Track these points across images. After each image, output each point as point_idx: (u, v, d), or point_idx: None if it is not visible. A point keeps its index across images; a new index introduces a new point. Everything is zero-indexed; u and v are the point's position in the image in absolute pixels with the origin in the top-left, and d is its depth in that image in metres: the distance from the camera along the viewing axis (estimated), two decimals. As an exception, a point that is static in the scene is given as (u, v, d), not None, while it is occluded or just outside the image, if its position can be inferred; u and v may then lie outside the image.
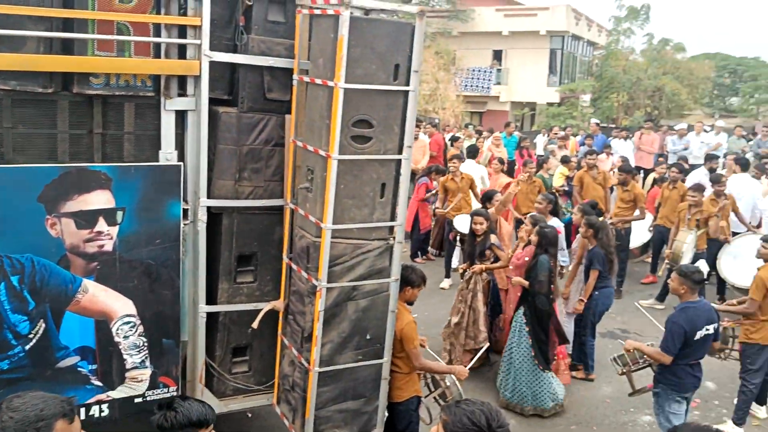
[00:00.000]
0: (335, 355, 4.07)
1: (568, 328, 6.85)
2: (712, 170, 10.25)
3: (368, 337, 4.14)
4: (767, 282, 5.42)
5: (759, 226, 9.11)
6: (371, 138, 3.90)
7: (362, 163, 3.92)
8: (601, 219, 7.22)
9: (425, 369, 4.60)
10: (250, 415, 5.07)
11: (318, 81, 3.90)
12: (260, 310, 4.47)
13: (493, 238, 6.53)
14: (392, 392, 4.44)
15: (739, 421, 5.67)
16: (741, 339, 5.57)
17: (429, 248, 10.57)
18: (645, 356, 4.97)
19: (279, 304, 4.49)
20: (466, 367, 4.87)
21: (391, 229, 4.15)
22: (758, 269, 5.65)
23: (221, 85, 4.31)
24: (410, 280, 4.46)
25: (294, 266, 4.28)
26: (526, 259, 6.00)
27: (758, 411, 5.97)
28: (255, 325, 4.44)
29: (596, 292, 6.47)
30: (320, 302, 3.91)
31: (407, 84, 3.92)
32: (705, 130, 15.18)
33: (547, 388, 5.80)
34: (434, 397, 4.87)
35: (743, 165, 9.81)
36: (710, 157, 10.95)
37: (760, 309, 5.49)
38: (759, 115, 36.51)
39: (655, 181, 10.83)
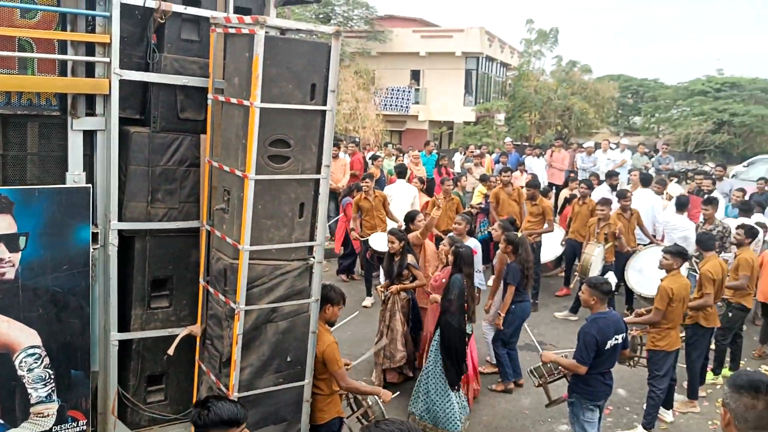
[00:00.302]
0: (255, 379, 3.99)
1: (489, 337, 7.01)
2: (613, 186, 10.79)
3: (289, 359, 4.09)
4: (669, 292, 5.74)
5: (662, 238, 9.65)
6: (289, 157, 3.89)
7: (280, 182, 3.89)
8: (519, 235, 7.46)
9: (351, 389, 4.57)
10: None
11: (233, 100, 3.85)
12: (176, 335, 4.33)
13: (410, 258, 6.58)
14: (314, 414, 4.39)
15: (648, 425, 5.94)
16: (648, 347, 5.87)
17: (356, 269, 10.59)
18: (560, 367, 5.14)
19: (196, 329, 4.37)
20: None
21: (311, 249, 4.13)
22: (661, 280, 5.99)
23: (132, 104, 4.18)
24: (329, 297, 4.43)
25: (211, 289, 4.18)
26: (444, 280, 6.09)
27: (665, 415, 6.27)
28: (171, 351, 4.30)
29: (513, 306, 6.65)
30: (239, 325, 3.84)
31: (324, 103, 3.94)
32: (611, 148, 16.00)
33: (452, 410, 5.78)
34: (357, 417, 4.85)
35: (645, 181, 10.42)
36: (611, 174, 11.53)
37: (664, 317, 5.80)
38: (659, 133, 38.87)
39: (566, 200, 11.25)
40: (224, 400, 2.80)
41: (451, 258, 5.98)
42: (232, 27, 3.89)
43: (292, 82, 3.81)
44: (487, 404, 6.35)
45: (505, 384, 6.80)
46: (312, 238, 4.10)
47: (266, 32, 3.63)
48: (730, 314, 7.07)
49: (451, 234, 7.06)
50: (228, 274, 3.94)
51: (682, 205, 9.14)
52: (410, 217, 7.50)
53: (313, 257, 4.13)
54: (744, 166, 18.14)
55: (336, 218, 12.45)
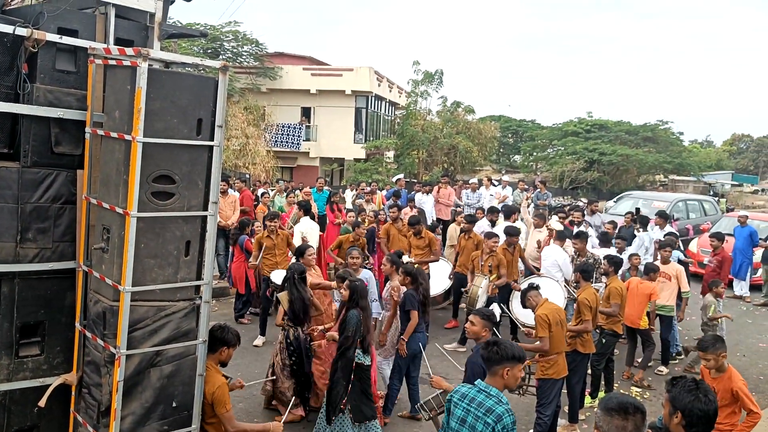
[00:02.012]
0: (137, 427, 3.75)
1: (385, 372, 7.03)
2: (492, 221, 11.26)
3: (174, 405, 3.88)
4: (546, 318, 6.02)
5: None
6: (174, 194, 3.76)
7: (164, 220, 3.75)
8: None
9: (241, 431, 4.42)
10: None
11: (114, 134, 3.69)
12: (48, 385, 4.01)
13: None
14: (202, 461, 4.19)
15: (535, 452, 6.15)
16: (538, 375, 6.11)
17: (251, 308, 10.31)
18: (450, 399, 5.21)
19: (71, 378, 4.07)
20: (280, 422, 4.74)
21: (198, 288, 3.99)
22: (534, 311, 6.28)
23: (0, 137, 3.90)
24: (227, 340, 4.34)
25: (88, 334, 3.91)
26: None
27: (551, 440, 6.52)
28: (42, 403, 3.97)
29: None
30: (119, 372, 3.61)
31: (211, 138, 3.87)
32: (494, 184, 16.78)
33: None
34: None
35: (561, 235, 10.62)
36: (492, 210, 12.05)
37: (552, 344, 6.06)
38: (537, 171, 41.35)
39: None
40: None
41: (346, 293, 5.97)
42: (112, 59, 3.75)
43: (177, 116, 3.71)
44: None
45: (384, 417, 6.77)
46: (199, 277, 3.96)
47: (150, 65, 3.53)
48: (603, 340, 7.53)
49: (340, 272, 7.07)
50: (108, 317, 3.71)
51: (562, 235, 9.71)
52: (300, 252, 7.46)
53: (200, 297, 3.99)
54: (614, 202, 19.71)
55: (224, 255, 12.15)
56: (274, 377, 6.65)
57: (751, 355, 9.47)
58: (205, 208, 3.92)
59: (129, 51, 3.62)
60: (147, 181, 3.61)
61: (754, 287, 13.78)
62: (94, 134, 3.92)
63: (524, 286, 9.14)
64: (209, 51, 29.45)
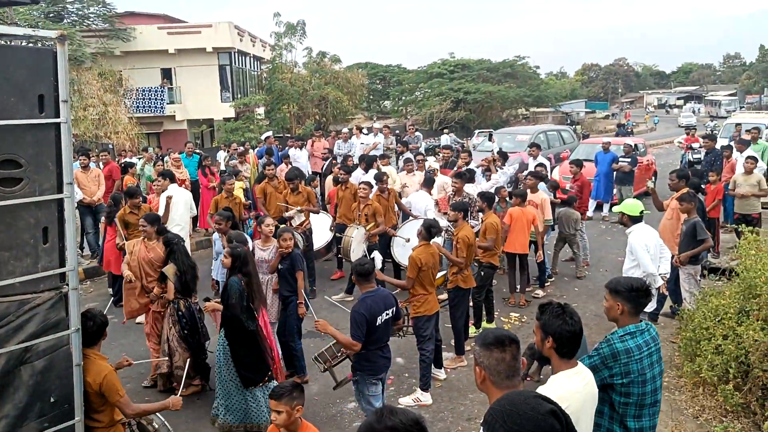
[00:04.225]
0: (14, 430, 3.55)
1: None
2: (367, 168, 11.40)
3: (53, 400, 3.70)
4: (418, 261, 6.28)
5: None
6: (22, 179, 3.49)
7: (14, 208, 3.48)
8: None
9: (139, 414, 4.31)
10: None
11: (-59, 120, 3.34)
12: None
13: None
14: (94, 451, 4.06)
15: (425, 386, 6.45)
16: (411, 314, 6.38)
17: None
18: (342, 349, 5.35)
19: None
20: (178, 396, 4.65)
21: (63, 275, 3.77)
22: (412, 249, 6.53)
23: None
24: (105, 323, 4.25)
25: (-57, 339, 3.61)
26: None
27: (439, 373, 6.89)
28: None
29: (294, 298, 6.73)
30: (-15, 374, 3.38)
31: (57, 115, 3.60)
32: (364, 133, 16.92)
33: (260, 403, 5.83)
34: (143, 444, 4.58)
35: (428, 182, 10.78)
36: (362, 158, 12.11)
37: (421, 285, 6.33)
38: (407, 115, 42.03)
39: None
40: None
41: (227, 260, 5.85)
42: (-74, 35, 3.36)
43: (15, 94, 3.42)
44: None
45: (300, 377, 6.85)
46: (62, 263, 3.74)
47: (-27, 40, 3.20)
48: (482, 273, 7.97)
49: (231, 233, 6.94)
50: (-38, 319, 3.43)
51: (429, 181, 10.02)
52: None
53: (67, 284, 3.78)
54: (477, 139, 20.64)
55: (94, 233, 11.48)
56: (167, 356, 6.51)
57: (612, 269, 10.39)
58: (60, 190, 3.66)
59: (-55, 26, 3.25)
60: (-12, 168, 3.32)
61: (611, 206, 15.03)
62: None
63: (403, 230, 9.46)
64: (51, 15, 26.97)
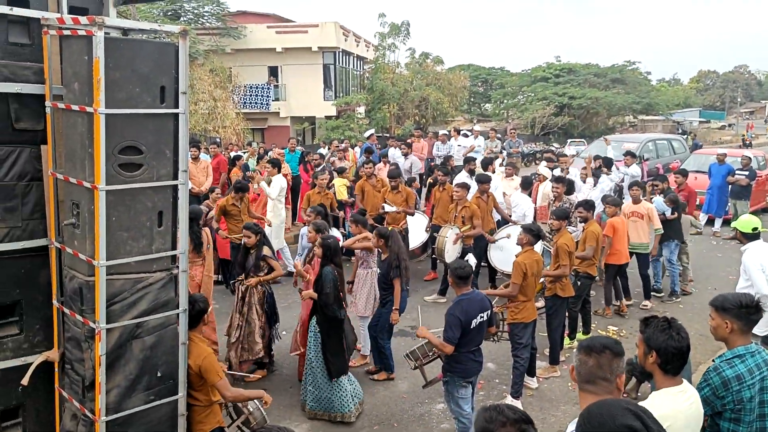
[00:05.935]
0: (124, 399, 3.78)
1: (363, 333, 7.12)
2: (471, 171, 11.23)
3: (159, 374, 3.91)
4: (524, 267, 6.14)
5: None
6: (142, 165, 3.70)
7: (134, 191, 3.70)
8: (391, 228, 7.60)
9: (236, 399, 4.46)
10: None
11: (75, 107, 3.60)
12: (30, 363, 4.00)
13: (265, 250, 6.73)
14: (192, 427, 4.24)
15: (516, 394, 6.31)
16: (508, 320, 6.26)
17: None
18: (434, 349, 5.33)
19: (53, 355, 4.06)
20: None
21: (174, 258, 3.97)
22: (516, 255, 6.39)
23: (-43, 116, 3.78)
24: (206, 308, 4.40)
25: (66, 310, 3.89)
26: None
27: (531, 382, 6.72)
28: (25, 381, 3.97)
29: (391, 297, 6.75)
30: (101, 346, 3.61)
31: (176, 106, 3.79)
32: (465, 135, 16.74)
33: (344, 393, 5.95)
34: (237, 426, 4.74)
35: (526, 183, 10.49)
36: (468, 159, 12.00)
37: (522, 291, 6.20)
38: (509, 119, 41.35)
39: (430, 186, 11.61)
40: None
41: (319, 251, 6.03)
42: (67, 29, 3.63)
43: (139, 85, 3.63)
44: (366, 392, 6.45)
45: (387, 374, 6.92)
46: (174, 246, 3.94)
47: (106, 33, 3.43)
48: (579, 283, 7.70)
49: (315, 221, 7.07)
50: (84, 293, 3.69)
51: (527, 183, 9.80)
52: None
53: (177, 266, 3.98)
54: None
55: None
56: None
57: (721, 287, 9.75)
58: (175, 177, 3.86)
59: (83, 20, 3.49)
60: (113, 153, 3.54)
61: (725, 222, 14.12)
62: (55, 108, 3.82)
63: (500, 235, 9.29)
64: (169, 13, 28.59)
